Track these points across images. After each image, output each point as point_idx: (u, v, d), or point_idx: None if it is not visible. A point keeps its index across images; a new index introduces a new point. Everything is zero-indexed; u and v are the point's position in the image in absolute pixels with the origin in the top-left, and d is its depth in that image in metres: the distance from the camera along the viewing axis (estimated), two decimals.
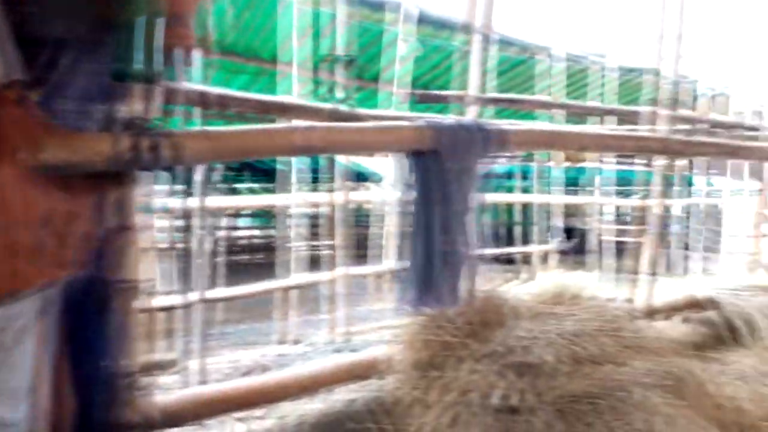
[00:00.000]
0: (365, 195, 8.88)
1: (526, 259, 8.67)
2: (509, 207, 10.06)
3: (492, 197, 9.25)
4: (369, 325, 4.64)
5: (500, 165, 9.20)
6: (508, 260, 9.50)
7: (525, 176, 9.50)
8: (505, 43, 7.03)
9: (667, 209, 9.69)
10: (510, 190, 10.18)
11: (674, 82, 3.40)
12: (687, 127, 5.61)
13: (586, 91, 7.56)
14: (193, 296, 3.15)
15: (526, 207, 8.92)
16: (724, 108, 7.40)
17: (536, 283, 3.41)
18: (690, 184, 10.08)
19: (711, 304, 4.42)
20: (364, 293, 6.21)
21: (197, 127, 2.45)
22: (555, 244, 8.02)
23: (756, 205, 5.88)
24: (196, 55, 2.82)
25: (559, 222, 8.41)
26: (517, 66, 7.92)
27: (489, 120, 3.15)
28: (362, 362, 3.10)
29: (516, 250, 8.78)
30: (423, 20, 5.25)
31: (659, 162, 3.52)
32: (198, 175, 3.34)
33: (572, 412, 2.47)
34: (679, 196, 8.59)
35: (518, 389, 2.56)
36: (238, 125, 2.88)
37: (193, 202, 3.41)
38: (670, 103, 3.36)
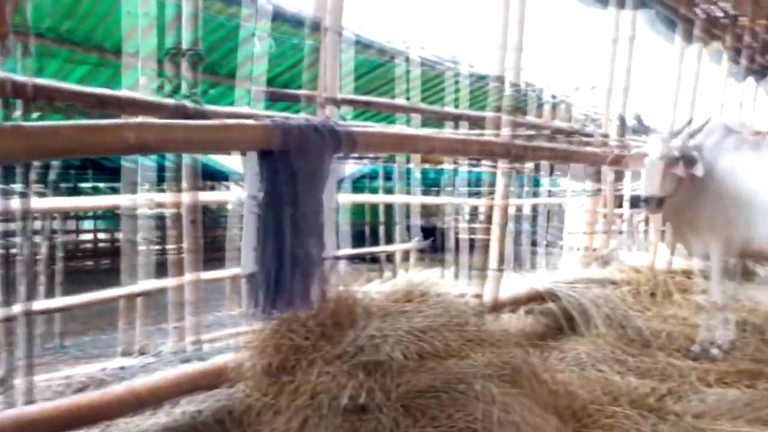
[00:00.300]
0: (221, 195, 8.60)
1: (390, 258, 8.87)
2: (373, 207, 10.26)
3: (356, 198, 9.41)
4: (223, 332, 4.49)
5: (364, 166, 9.34)
6: (374, 259, 9.67)
7: (388, 177, 9.73)
8: (364, 45, 7.14)
9: (517, 208, 10.43)
10: (374, 190, 10.38)
11: (515, 89, 3.62)
12: (530, 132, 6.02)
13: (444, 95, 7.89)
14: (18, 307, 2.84)
15: (389, 207, 9.13)
16: (567, 115, 8.05)
17: (394, 281, 3.47)
18: (538, 185, 10.87)
19: (552, 296, 4.78)
20: (222, 298, 6.01)
21: (10, 123, 2.19)
22: (415, 243, 8.27)
23: (592, 204, 6.44)
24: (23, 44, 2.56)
25: (419, 221, 8.69)
26: (376, 69, 8.08)
27: (341, 121, 3.15)
28: (209, 371, 2.98)
29: (379, 249, 8.95)
30: (279, 17, 5.18)
31: (503, 164, 3.73)
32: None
33: (417, 407, 2.55)
34: (527, 196, 9.25)
35: (367, 388, 2.59)
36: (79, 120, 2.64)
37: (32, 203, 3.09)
38: (509, 110, 3.57)
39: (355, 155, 3.24)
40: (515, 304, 4.48)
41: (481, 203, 4.45)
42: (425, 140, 3.01)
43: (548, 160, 6.14)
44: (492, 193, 4.06)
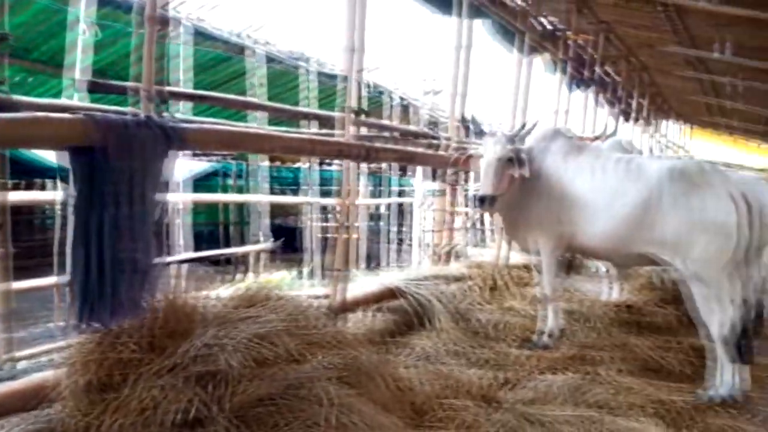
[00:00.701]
0: (45, 194, 7.81)
1: (242, 259, 8.63)
2: (225, 207, 9.91)
3: (207, 197, 9.04)
4: (44, 347, 4.06)
5: (215, 163, 8.98)
6: (228, 261, 9.34)
7: (240, 175, 9.45)
8: (206, 37, 6.83)
9: (371, 208, 10.64)
10: (225, 189, 10.02)
11: (360, 90, 3.63)
12: (383, 134, 6.12)
13: (297, 93, 7.81)
14: None
15: (241, 206, 8.88)
16: (416, 117, 8.32)
17: (237, 285, 3.33)
18: (392, 185, 11.16)
19: (402, 294, 4.87)
20: (50, 308, 5.43)
21: None
22: (267, 243, 8.11)
23: (439, 203, 6.70)
24: None
25: (272, 221, 8.53)
26: (221, 63, 7.76)
27: (171, 116, 2.94)
28: (23, 391, 2.66)
29: (229, 251, 8.67)
30: (108, 2, 4.78)
31: (349, 164, 3.74)
32: None
33: (255, 416, 2.45)
34: (381, 196, 9.46)
35: (201, 401, 2.44)
36: None
37: None
38: (356, 110, 3.58)
39: (201, 153, 3.07)
40: (367, 302, 4.51)
41: (332, 202, 4.40)
42: (264, 139, 2.91)
43: (394, 161, 6.27)
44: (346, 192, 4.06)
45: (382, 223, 9.55)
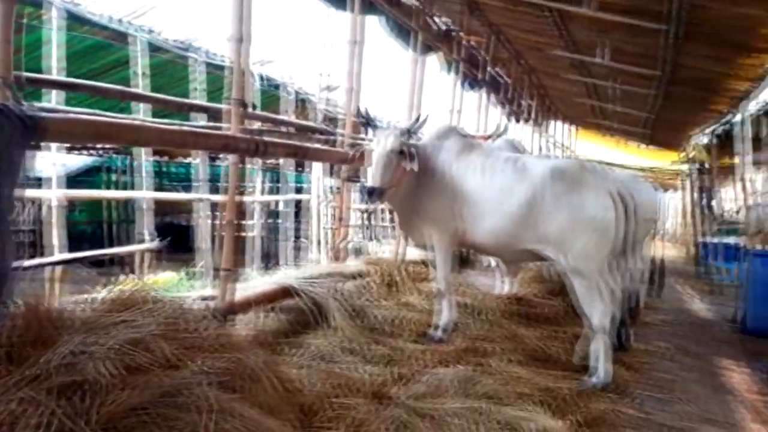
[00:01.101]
0: None
1: (125, 259, 8.12)
2: (109, 204, 9.30)
3: (84, 194, 8.43)
4: None
5: (97, 158, 8.40)
6: (112, 261, 8.77)
7: (125, 171, 8.90)
8: (88, 23, 6.36)
9: (272, 204, 10.38)
10: (110, 185, 9.39)
11: (246, 82, 3.48)
12: (279, 128, 5.97)
13: (187, 84, 7.44)
14: None
15: (126, 203, 8.37)
16: (313, 113, 8.20)
17: (110, 288, 3.08)
18: (291, 181, 10.97)
19: (297, 292, 4.75)
20: None
21: None
22: (153, 242, 7.68)
23: (337, 200, 6.64)
24: None
25: (165, 219, 8.14)
26: (101, 51, 7.24)
27: (32, 105, 2.66)
28: None
29: (113, 251, 8.14)
30: None
31: (234, 158, 3.58)
32: None
33: (127, 427, 2.26)
34: (280, 192, 9.26)
35: (63, 414, 2.23)
36: None
37: None
38: (237, 102, 3.43)
39: (80, 147, 2.80)
40: (259, 303, 4.35)
41: (221, 199, 4.21)
42: (138, 131, 2.70)
43: (286, 157, 6.14)
44: (242, 188, 3.91)
45: (280, 221, 9.34)
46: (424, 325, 5.00)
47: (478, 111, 9.51)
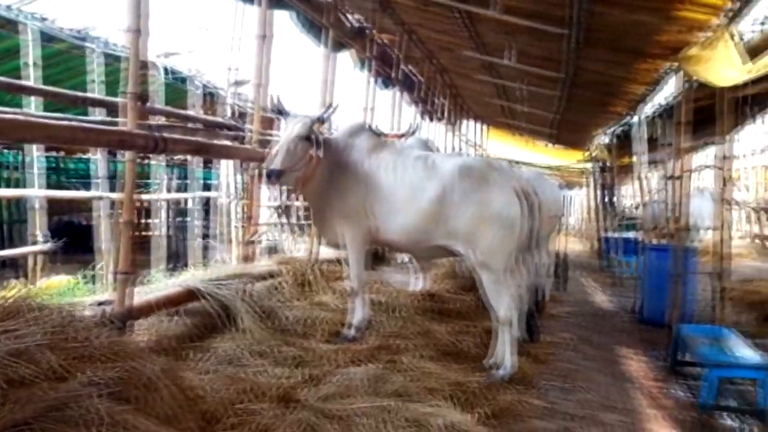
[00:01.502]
0: None
1: (18, 262, 7.54)
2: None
3: None
4: None
5: None
6: (3, 264, 8.15)
7: (16, 167, 8.25)
8: None
9: (176, 202, 9.99)
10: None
11: (141, 74, 3.27)
12: (185, 124, 5.74)
13: (84, 75, 6.99)
14: None
15: (18, 202, 7.77)
16: (222, 109, 7.93)
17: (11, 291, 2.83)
18: (205, 178, 10.61)
19: (203, 295, 4.57)
20: None
21: None
22: (47, 244, 7.18)
23: (249, 197, 6.44)
24: None
25: (62, 218, 7.62)
26: None
27: None
28: None
29: (3, 253, 7.54)
30: None
31: (131, 155, 3.36)
32: None
33: None
34: (189, 189, 8.91)
35: None
36: None
37: None
38: (134, 96, 3.23)
39: None
40: (161, 306, 4.14)
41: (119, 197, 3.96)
42: (21, 126, 2.48)
43: (188, 153, 5.90)
44: (139, 186, 3.69)
45: (188, 219, 8.99)
46: (337, 324, 4.95)
47: (393, 109, 9.56)
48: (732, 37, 4.60)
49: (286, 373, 3.71)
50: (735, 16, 4.65)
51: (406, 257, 7.10)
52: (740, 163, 16.76)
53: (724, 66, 4.69)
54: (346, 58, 9.43)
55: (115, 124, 3.65)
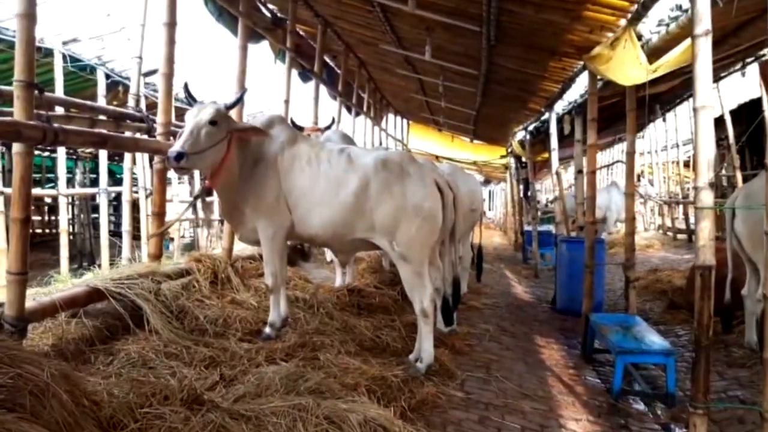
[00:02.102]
0: None
1: None
2: None
3: None
4: None
5: None
6: None
7: None
8: None
9: (90, 198, 9.44)
10: None
11: (30, 60, 2.98)
12: (83, 115, 5.38)
13: None
14: None
15: None
16: (130, 98, 7.50)
17: None
18: (118, 171, 10.08)
19: (109, 294, 4.30)
20: None
21: None
22: None
23: (157, 191, 6.13)
24: None
25: None
26: None
27: None
28: None
29: None
30: None
31: (21, 148, 3.06)
32: None
33: None
34: (98, 184, 8.42)
35: None
36: None
37: None
38: (22, 84, 2.95)
39: None
40: (61, 308, 3.85)
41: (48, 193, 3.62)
42: None
43: (86, 146, 5.56)
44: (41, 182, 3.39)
45: (97, 216, 8.50)
46: (254, 323, 4.81)
47: (315, 102, 9.42)
48: (639, 37, 4.79)
49: (197, 375, 3.55)
50: (637, 17, 4.86)
51: (330, 254, 7.00)
52: (651, 158, 17.77)
53: (629, 65, 4.89)
54: (266, 50, 9.22)
55: (8, 114, 3.34)
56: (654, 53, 5.01)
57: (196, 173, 9.12)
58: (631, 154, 6.35)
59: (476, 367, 4.86)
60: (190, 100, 4.48)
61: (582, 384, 5.06)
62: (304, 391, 3.32)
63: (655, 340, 4.87)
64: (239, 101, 4.66)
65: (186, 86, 4.50)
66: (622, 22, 5.22)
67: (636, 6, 4.74)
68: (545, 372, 5.22)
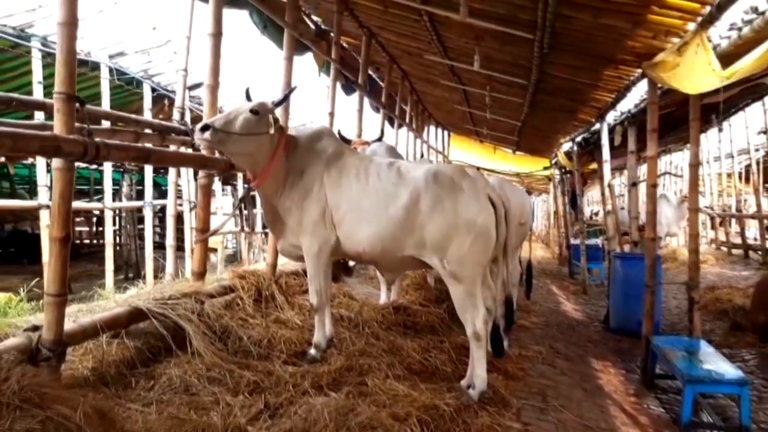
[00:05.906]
0: None
1: None
2: None
3: None
4: None
5: None
6: None
7: None
8: None
9: (131, 211, 9.47)
10: None
11: (71, 72, 2.85)
12: (128, 128, 5.31)
13: (23, 75, 6.48)
14: None
15: None
16: (179, 111, 7.48)
17: None
18: (165, 184, 10.11)
19: (151, 314, 4.16)
20: None
21: None
22: None
23: (202, 204, 6.02)
24: None
25: (5, 227, 7.07)
26: None
27: None
28: None
29: None
30: None
31: (60, 163, 2.94)
32: None
33: None
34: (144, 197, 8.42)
35: None
36: None
37: None
38: (62, 96, 2.82)
39: None
40: (102, 329, 3.71)
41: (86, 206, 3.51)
42: None
43: (132, 161, 5.47)
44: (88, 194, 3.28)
45: (143, 227, 8.50)
46: (299, 343, 4.61)
47: (358, 115, 9.26)
48: (709, 41, 4.45)
49: (240, 402, 3.36)
50: (710, 20, 4.52)
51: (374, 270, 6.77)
52: (703, 170, 17.06)
53: (699, 72, 4.54)
54: (309, 64, 9.12)
55: (50, 128, 3.23)
56: (723, 59, 4.66)
57: (239, 184, 9.02)
58: (695, 166, 5.96)
59: (531, 394, 4.56)
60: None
61: (645, 414, 4.72)
62: (355, 427, 3.10)
63: (726, 367, 4.52)
64: (286, 99, 4.59)
65: (247, 92, 4.39)
66: (691, 26, 4.87)
67: (709, 8, 4.39)
68: (605, 400, 4.88)
